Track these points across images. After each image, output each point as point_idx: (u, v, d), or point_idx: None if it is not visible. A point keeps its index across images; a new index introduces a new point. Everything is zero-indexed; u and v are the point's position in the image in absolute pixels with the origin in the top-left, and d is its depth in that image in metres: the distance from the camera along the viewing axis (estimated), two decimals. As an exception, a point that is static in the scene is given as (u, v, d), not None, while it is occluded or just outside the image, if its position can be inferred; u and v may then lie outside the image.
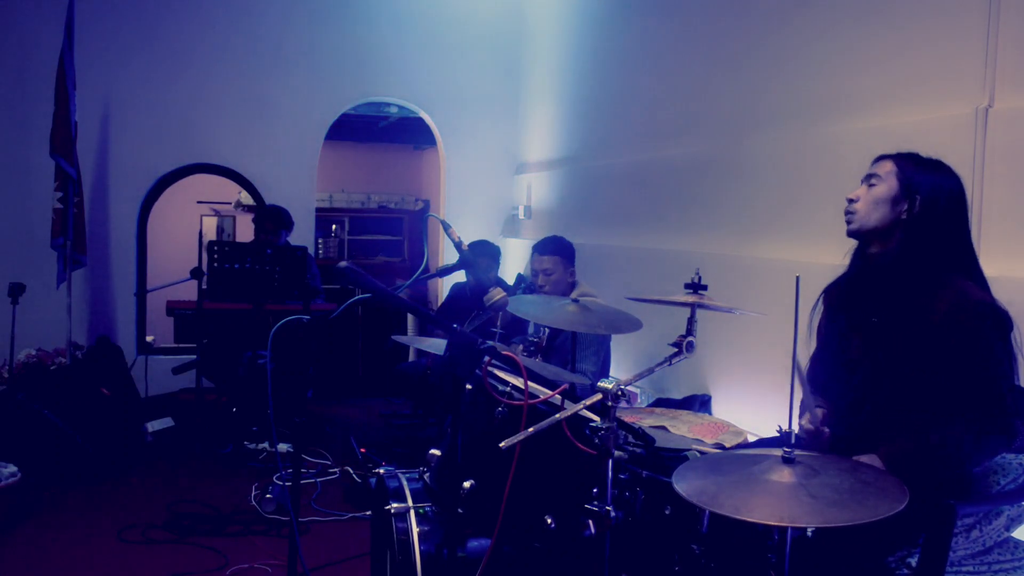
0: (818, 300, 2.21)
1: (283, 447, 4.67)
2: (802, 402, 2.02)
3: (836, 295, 2.19)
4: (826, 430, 2.05)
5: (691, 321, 1.85)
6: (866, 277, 2.09)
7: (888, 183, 2.04)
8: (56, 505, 3.91)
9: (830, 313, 2.19)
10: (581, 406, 1.73)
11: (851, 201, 2.08)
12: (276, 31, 6.36)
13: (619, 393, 1.67)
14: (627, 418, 1.98)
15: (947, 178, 2.04)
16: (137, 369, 5.51)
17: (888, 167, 2.06)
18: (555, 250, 3.90)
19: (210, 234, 8.88)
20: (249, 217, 6.75)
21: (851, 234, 2.10)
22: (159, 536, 3.57)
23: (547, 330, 3.11)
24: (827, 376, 2.17)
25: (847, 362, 2.09)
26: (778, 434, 2.20)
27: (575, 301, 2.74)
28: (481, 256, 4.64)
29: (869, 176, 2.08)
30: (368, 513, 3.42)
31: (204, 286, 4.94)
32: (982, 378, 1.86)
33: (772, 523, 1.39)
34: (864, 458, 1.88)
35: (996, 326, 1.89)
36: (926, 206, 2.00)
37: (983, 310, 1.89)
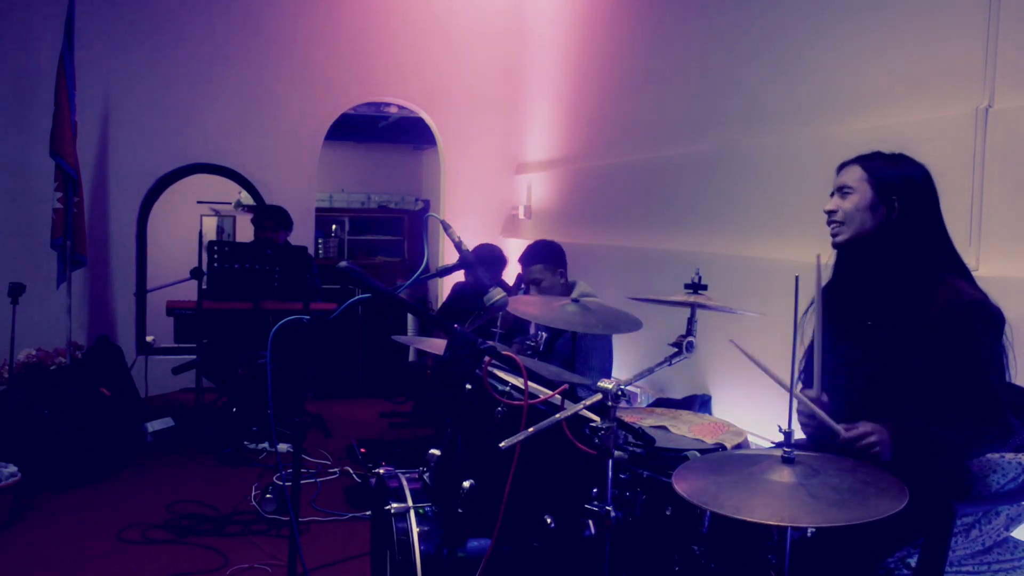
0: (811, 304, 2.21)
1: (283, 447, 4.67)
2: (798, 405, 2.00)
3: (829, 299, 2.18)
4: (824, 396, 2.04)
5: (691, 321, 1.86)
6: (858, 281, 2.09)
7: (862, 191, 2.04)
8: (56, 505, 3.91)
9: (825, 316, 2.19)
10: (581, 406, 1.73)
11: (831, 213, 2.09)
12: (276, 31, 6.36)
13: (619, 393, 1.67)
14: (627, 418, 1.98)
15: (915, 170, 2.05)
16: (137, 369, 5.52)
17: (857, 173, 2.06)
18: (538, 257, 3.77)
19: (210, 234, 8.88)
20: (249, 217, 6.75)
21: (837, 246, 2.11)
22: (159, 536, 3.57)
23: (544, 334, 3.09)
24: (823, 378, 2.17)
25: (843, 365, 2.09)
26: (781, 435, 2.20)
27: (575, 301, 2.74)
28: (484, 263, 4.60)
29: (841, 188, 2.08)
30: (368, 513, 3.42)
31: (204, 286, 4.94)
32: (976, 376, 1.86)
33: (772, 523, 1.39)
34: (871, 425, 1.85)
35: (989, 324, 1.89)
36: (904, 206, 2.01)
37: (976, 309, 1.89)
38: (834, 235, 2.09)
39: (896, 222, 2.01)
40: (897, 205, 2.01)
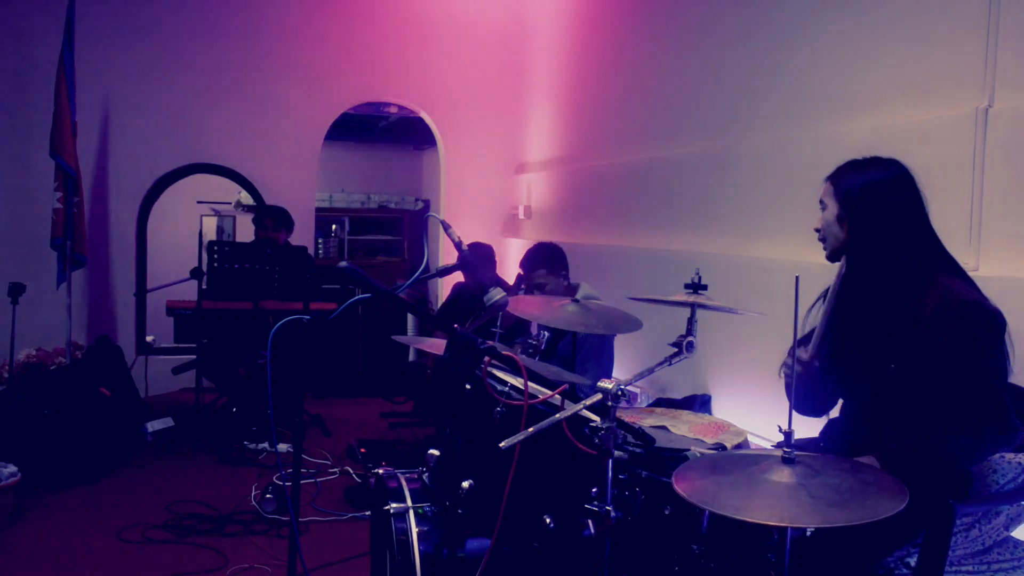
0: (816, 302, 2.21)
1: (283, 447, 4.67)
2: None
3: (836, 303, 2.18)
4: (816, 363, 2.05)
5: (691, 321, 1.85)
6: (854, 284, 2.09)
7: (831, 205, 2.08)
8: (56, 505, 3.91)
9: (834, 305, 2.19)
10: (581, 406, 1.73)
11: (818, 231, 2.14)
12: (276, 31, 6.37)
13: (619, 393, 1.67)
14: (627, 418, 1.98)
15: (880, 173, 2.04)
16: (137, 369, 5.52)
17: (829, 189, 2.10)
18: (540, 261, 3.76)
19: (210, 234, 8.89)
20: (249, 217, 6.75)
21: (828, 259, 2.14)
22: (159, 536, 3.57)
23: (547, 334, 3.08)
24: (823, 381, 2.17)
25: (843, 368, 2.09)
26: (781, 435, 2.20)
27: (575, 301, 2.74)
28: (476, 259, 4.61)
29: (820, 202, 2.12)
30: (368, 513, 3.42)
31: (204, 286, 4.94)
32: (977, 377, 1.85)
33: (772, 523, 1.39)
34: (863, 460, 1.87)
35: (987, 325, 1.88)
36: (864, 212, 2.02)
37: (971, 309, 1.88)
38: (824, 250, 2.14)
39: (860, 229, 2.02)
40: (859, 213, 2.02)
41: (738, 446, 2.22)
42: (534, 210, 6.59)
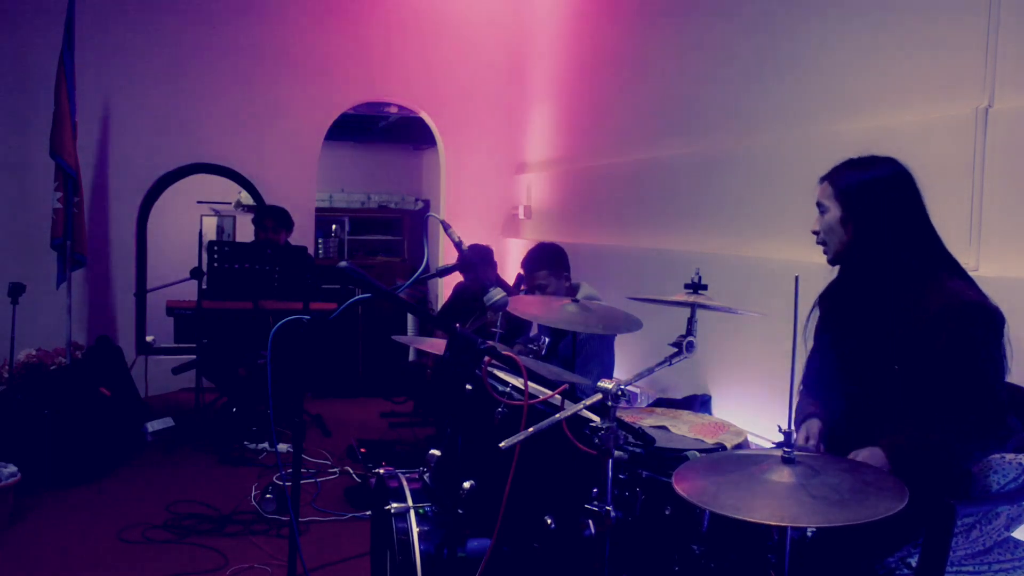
0: (814, 307, 2.21)
1: (283, 447, 4.67)
2: (796, 415, 2.01)
3: (830, 302, 2.19)
4: (821, 447, 2.05)
5: (691, 321, 1.85)
6: (855, 284, 2.09)
7: (832, 208, 2.06)
8: (56, 505, 3.91)
9: (825, 320, 2.19)
10: (581, 406, 1.73)
11: (815, 233, 2.12)
12: (276, 31, 6.37)
13: (619, 393, 1.67)
14: (627, 418, 1.98)
15: (879, 171, 2.04)
16: (137, 369, 5.52)
17: (827, 190, 2.08)
18: (541, 262, 3.74)
19: (210, 234, 8.89)
20: (249, 217, 6.76)
21: (830, 263, 2.13)
22: (159, 536, 3.57)
23: (547, 339, 3.08)
24: (824, 382, 2.17)
25: (843, 368, 2.09)
26: (781, 435, 2.20)
27: (575, 301, 2.74)
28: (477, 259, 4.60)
29: (817, 206, 2.11)
30: (368, 513, 3.42)
31: (204, 286, 4.94)
32: (976, 377, 1.86)
33: (772, 523, 1.39)
34: (865, 451, 1.87)
35: (987, 325, 1.88)
36: (867, 213, 2.01)
37: (973, 310, 1.88)
38: (824, 253, 2.13)
39: (864, 230, 2.01)
40: (860, 213, 2.01)
41: (738, 446, 2.22)
42: (534, 210, 6.59)
